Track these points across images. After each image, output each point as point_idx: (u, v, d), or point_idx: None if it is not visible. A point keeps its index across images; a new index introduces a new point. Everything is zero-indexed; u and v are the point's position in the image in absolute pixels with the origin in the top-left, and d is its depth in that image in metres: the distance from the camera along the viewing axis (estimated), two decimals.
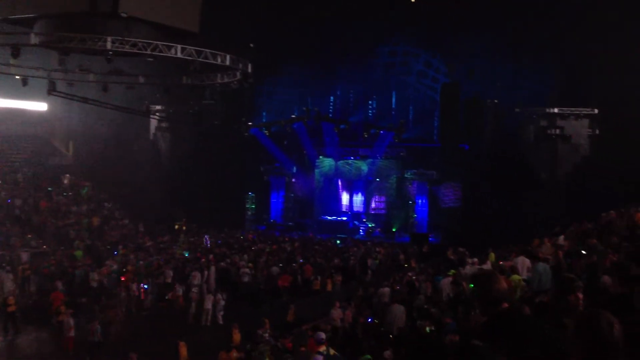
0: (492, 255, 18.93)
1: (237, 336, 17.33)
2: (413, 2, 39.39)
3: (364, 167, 44.49)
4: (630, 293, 6.98)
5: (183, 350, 16.05)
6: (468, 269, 16.25)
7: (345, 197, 45.33)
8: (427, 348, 9.88)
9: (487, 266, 15.88)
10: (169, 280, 24.52)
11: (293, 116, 43.86)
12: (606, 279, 9.56)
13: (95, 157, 39.72)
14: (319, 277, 25.56)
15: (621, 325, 3.06)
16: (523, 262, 13.75)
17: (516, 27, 37.15)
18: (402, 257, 30.81)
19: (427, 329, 11.50)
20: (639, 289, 6.35)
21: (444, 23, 39.47)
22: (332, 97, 46.80)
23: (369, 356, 9.54)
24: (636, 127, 30.54)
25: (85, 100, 32.41)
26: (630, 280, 8.16)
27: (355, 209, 44.70)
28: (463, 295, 12.87)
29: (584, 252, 13.15)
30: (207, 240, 34.39)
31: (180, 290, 23.38)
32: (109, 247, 30.73)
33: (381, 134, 42.36)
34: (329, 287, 25.06)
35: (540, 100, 39.26)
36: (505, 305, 4.22)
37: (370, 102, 46.15)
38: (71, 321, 18.46)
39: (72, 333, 18.32)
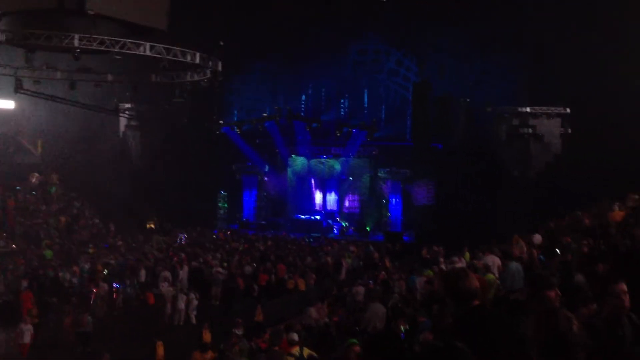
0: (467, 254, 18.99)
1: (207, 336, 17.13)
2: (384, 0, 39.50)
3: (336, 165, 44.43)
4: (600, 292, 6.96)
5: (160, 350, 15.87)
6: (443, 267, 16.24)
7: (318, 196, 45.23)
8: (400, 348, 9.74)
9: (462, 264, 15.87)
10: (142, 279, 24.21)
11: (265, 115, 43.68)
12: (579, 277, 9.57)
13: (64, 156, 39.09)
14: (293, 276, 25.43)
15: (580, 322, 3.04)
16: (493, 260, 13.76)
17: (486, 25, 37.38)
18: (376, 255, 30.83)
19: (402, 328, 11.42)
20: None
21: (415, 21, 39.62)
22: (303, 96, 46.70)
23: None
24: (607, 126, 30.91)
25: (52, 98, 31.91)
26: (600, 279, 8.17)
27: (328, 207, 44.64)
28: (437, 294, 12.82)
29: (558, 250, 13.22)
30: (183, 238, 34.14)
31: (164, 289, 22.99)
32: (79, 246, 30.28)
33: (354, 132, 42.39)
34: (303, 286, 24.94)
35: (512, 99, 39.58)
36: (476, 302, 4.18)
37: (342, 100, 46.13)
38: (29, 328, 17.94)
39: (26, 340, 17.82)
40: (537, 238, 16.20)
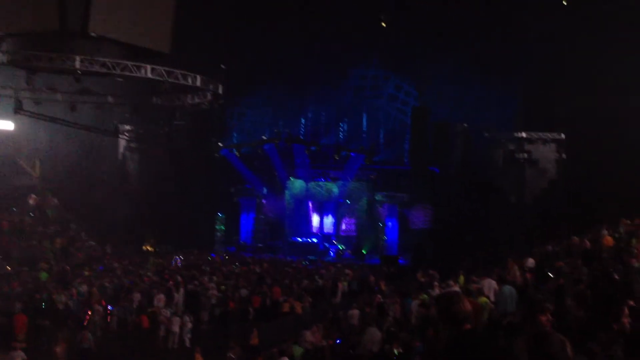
0: (462, 278, 19.01)
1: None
2: (384, 25, 39.89)
3: (334, 189, 44.51)
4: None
5: None
6: (437, 292, 16.27)
7: (315, 219, 45.25)
8: None
9: (455, 288, 15.91)
10: (137, 302, 24.14)
11: (264, 137, 43.84)
12: (572, 302, 9.65)
13: (62, 177, 39.12)
14: (288, 299, 25.35)
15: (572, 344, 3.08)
16: (489, 284, 13.85)
17: (484, 52, 37.79)
18: (372, 279, 30.76)
19: (396, 351, 11.47)
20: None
21: (414, 47, 40.00)
22: (303, 119, 46.94)
23: None
24: (601, 152, 31.12)
25: (52, 119, 31.97)
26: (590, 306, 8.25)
27: (325, 230, 44.63)
28: (431, 318, 12.87)
29: (550, 274, 13.29)
30: (177, 260, 34.04)
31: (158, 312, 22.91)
32: (74, 268, 30.15)
33: (352, 156, 42.53)
34: (298, 309, 24.86)
35: (509, 125, 39.87)
36: (468, 326, 4.24)
37: (341, 124, 46.35)
38: (19, 354, 17.77)
39: None
40: (530, 262, 16.28)
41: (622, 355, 4.94)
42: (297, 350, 15.92)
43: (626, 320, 5.11)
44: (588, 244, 14.39)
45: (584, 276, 12.24)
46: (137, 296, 24.52)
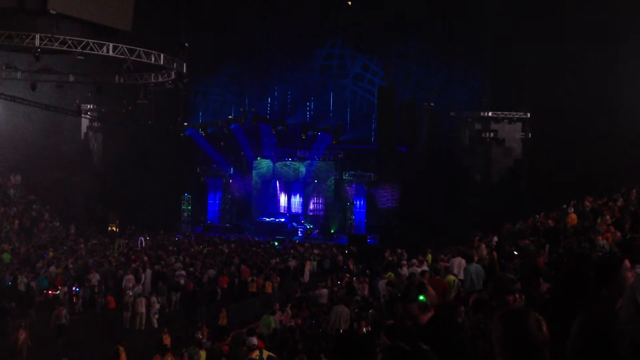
0: (430, 257, 19.19)
1: (167, 340, 16.98)
2: (350, 4, 39.72)
3: (302, 168, 44.44)
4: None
5: (123, 355, 15.67)
6: (405, 271, 16.38)
7: (283, 199, 45.18)
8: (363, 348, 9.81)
9: (424, 267, 16.04)
10: (94, 283, 23.89)
11: (230, 117, 43.47)
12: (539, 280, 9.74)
13: (24, 158, 38.35)
14: (256, 279, 25.35)
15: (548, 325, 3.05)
16: (460, 262, 13.99)
17: (450, 32, 37.90)
18: (340, 258, 30.93)
19: (365, 330, 11.49)
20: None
21: (380, 27, 39.94)
22: (269, 99, 46.60)
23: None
24: (566, 131, 31.54)
25: (12, 98, 31.26)
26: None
27: (293, 210, 44.60)
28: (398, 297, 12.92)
29: (516, 252, 13.43)
30: (142, 241, 33.73)
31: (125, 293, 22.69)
32: (38, 249, 29.68)
33: (319, 135, 42.43)
34: (268, 289, 24.88)
35: (475, 104, 40.16)
36: (431, 312, 4.26)
37: (307, 103, 46.13)
38: None
39: None
40: (495, 240, 16.48)
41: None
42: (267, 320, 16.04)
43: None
44: (551, 222, 14.58)
45: (546, 253, 12.40)
46: (96, 277, 24.25)
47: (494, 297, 5.03)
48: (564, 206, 17.34)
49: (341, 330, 12.84)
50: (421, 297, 4.29)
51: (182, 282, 24.67)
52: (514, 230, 17.71)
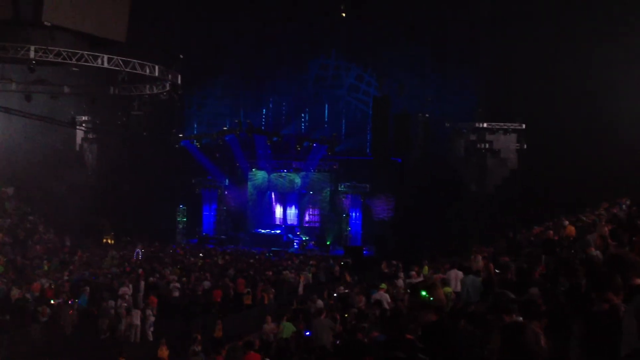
0: (426, 268, 19.15)
1: (164, 352, 16.88)
2: (344, 16, 39.85)
3: (297, 180, 44.43)
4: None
5: None
6: (401, 282, 16.35)
7: (278, 210, 45.14)
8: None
9: (419, 279, 15.99)
10: (98, 295, 23.77)
11: (225, 128, 43.50)
12: (534, 291, 9.72)
13: (19, 169, 38.24)
14: (251, 291, 25.25)
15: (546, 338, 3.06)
16: (456, 275, 13.97)
17: (444, 43, 38.08)
18: (337, 269, 30.85)
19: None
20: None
21: (374, 38, 40.10)
22: (264, 110, 46.67)
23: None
24: (562, 142, 31.66)
25: (7, 110, 31.21)
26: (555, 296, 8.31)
27: (289, 222, 44.55)
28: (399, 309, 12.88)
29: (511, 265, 13.39)
30: (138, 253, 33.60)
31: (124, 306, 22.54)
32: (33, 261, 29.54)
33: (314, 147, 42.47)
34: (265, 300, 24.79)
35: (470, 115, 40.29)
36: (434, 317, 4.24)
37: (302, 115, 46.24)
38: None
39: None
40: (491, 251, 16.47)
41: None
42: (288, 328, 16.00)
43: None
44: (551, 233, 14.56)
45: (543, 265, 12.35)
46: (97, 289, 24.15)
47: (491, 312, 5.02)
48: (560, 218, 17.34)
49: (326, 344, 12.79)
50: (423, 293, 4.29)
51: (177, 294, 24.56)
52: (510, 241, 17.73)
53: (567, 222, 15.62)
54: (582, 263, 9.92)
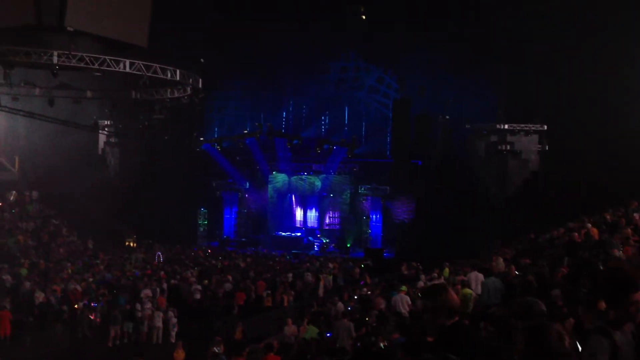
0: (447, 270, 19.07)
1: (181, 355, 17.02)
2: (364, 18, 39.84)
3: (317, 182, 44.47)
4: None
5: None
6: (422, 284, 16.30)
7: (299, 213, 45.21)
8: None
9: (440, 281, 15.94)
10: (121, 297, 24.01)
11: (245, 131, 43.66)
12: (556, 292, 9.67)
13: (42, 173, 38.72)
14: (271, 293, 25.33)
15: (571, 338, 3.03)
16: (477, 277, 13.91)
17: (465, 44, 37.84)
18: (357, 271, 30.82)
19: (382, 344, 11.41)
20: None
21: (395, 40, 39.96)
22: (284, 113, 46.79)
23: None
24: (583, 143, 31.31)
25: (31, 115, 31.64)
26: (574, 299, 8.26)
27: (309, 224, 44.61)
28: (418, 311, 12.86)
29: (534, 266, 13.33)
30: (160, 256, 33.84)
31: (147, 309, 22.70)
32: (56, 264, 29.87)
33: (334, 149, 42.46)
34: (285, 303, 24.86)
35: (491, 117, 39.99)
36: (457, 318, 4.21)
37: (322, 117, 46.28)
38: None
39: None
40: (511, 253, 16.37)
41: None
42: (312, 330, 16.06)
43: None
44: (576, 235, 14.45)
45: (565, 266, 12.28)
46: (120, 291, 24.40)
47: (518, 319, 4.82)
48: (583, 220, 17.17)
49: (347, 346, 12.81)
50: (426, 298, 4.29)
51: (198, 296, 24.72)
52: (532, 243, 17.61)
53: (589, 224, 15.48)
54: (605, 265, 9.87)
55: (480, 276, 13.81)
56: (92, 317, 22.65)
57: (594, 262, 10.68)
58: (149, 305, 22.70)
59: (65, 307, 22.83)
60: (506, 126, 39.29)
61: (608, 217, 16.13)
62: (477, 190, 37.92)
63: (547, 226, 20.91)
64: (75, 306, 23.00)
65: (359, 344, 12.99)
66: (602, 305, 4.02)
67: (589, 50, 30.54)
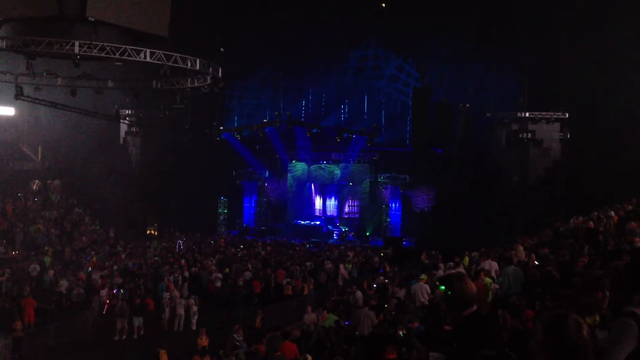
0: (466, 259, 19.02)
1: (204, 341, 17.19)
2: (384, 6, 39.60)
3: (336, 171, 44.45)
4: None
5: (164, 358, 15.90)
6: (441, 273, 16.28)
7: (318, 202, 45.27)
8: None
9: (460, 269, 15.91)
10: (143, 285, 24.30)
11: (265, 120, 43.70)
12: (576, 282, 9.59)
13: (65, 162, 39.19)
14: (292, 282, 25.45)
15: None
16: (490, 265, 13.85)
17: (486, 32, 37.47)
18: (376, 260, 30.85)
19: (401, 333, 11.46)
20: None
21: (415, 28, 39.68)
22: (304, 102, 46.76)
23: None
24: (606, 131, 30.95)
25: (53, 104, 31.99)
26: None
27: (328, 213, 44.65)
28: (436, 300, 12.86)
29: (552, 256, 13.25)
30: (180, 244, 34.15)
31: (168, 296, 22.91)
32: (79, 252, 30.33)
33: (354, 138, 42.31)
34: (305, 291, 24.97)
35: (512, 105, 39.59)
36: (475, 307, 4.21)
37: (342, 106, 46.18)
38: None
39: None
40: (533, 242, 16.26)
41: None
42: (331, 318, 16.19)
43: None
44: (592, 224, 14.33)
45: (586, 256, 12.19)
46: (142, 279, 24.69)
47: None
48: (606, 209, 17.03)
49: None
50: (442, 287, 4.29)
51: (219, 284, 24.93)
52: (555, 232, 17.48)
53: (612, 212, 15.35)
54: (627, 254, 9.78)
55: (494, 265, 13.76)
56: (114, 304, 22.92)
57: (615, 251, 10.60)
58: (175, 293, 22.98)
59: (89, 296, 23.18)
60: (527, 114, 38.83)
61: (631, 206, 15.99)
62: (498, 179, 37.65)
63: (569, 215, 20.75)
64: (95, 295, 23.29)
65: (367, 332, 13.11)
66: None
67: (611, 37, 30.11)
